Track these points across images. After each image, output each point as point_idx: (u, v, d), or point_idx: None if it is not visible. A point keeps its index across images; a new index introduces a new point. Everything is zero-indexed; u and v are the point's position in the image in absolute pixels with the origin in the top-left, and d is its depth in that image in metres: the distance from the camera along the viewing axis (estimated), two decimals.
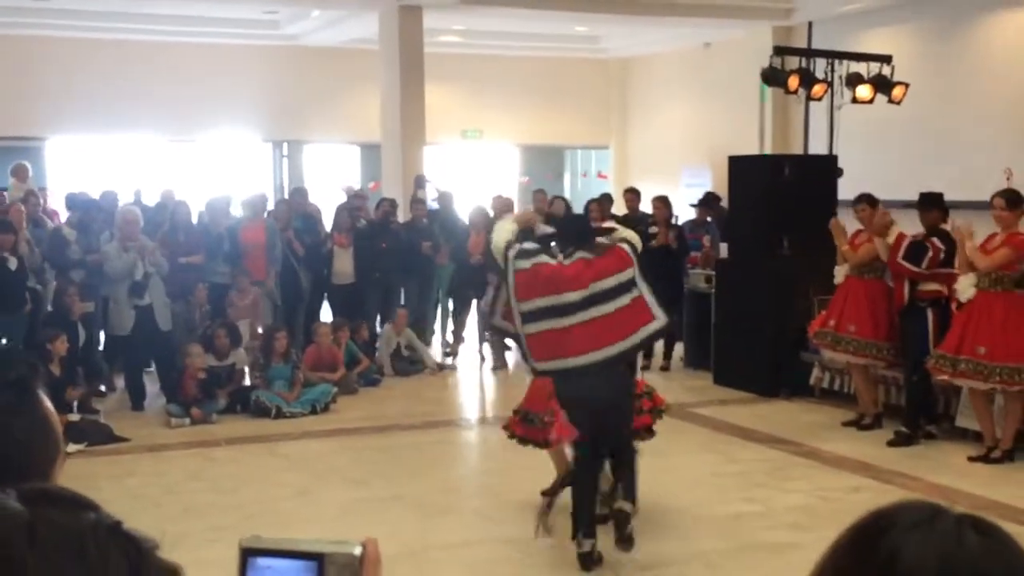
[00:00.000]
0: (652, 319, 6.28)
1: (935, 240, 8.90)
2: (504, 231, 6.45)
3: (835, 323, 9.66)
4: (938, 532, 1.13)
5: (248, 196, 12.58)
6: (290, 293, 12.12)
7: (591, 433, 6.19)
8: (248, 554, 1.10)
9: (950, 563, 1.11)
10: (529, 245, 6.32)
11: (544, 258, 6.23)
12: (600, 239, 6.47)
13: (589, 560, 6.13)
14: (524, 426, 7.00)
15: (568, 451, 7.09)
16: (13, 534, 0.96)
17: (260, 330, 11.34)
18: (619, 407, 6.32)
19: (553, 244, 6.50)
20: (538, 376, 6.40)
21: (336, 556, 1.09)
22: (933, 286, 8.98)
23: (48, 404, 1.41)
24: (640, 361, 12.48)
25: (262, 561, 1.09)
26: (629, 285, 6.21)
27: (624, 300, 6.19)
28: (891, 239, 9.06)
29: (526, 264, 6.18)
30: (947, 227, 8.96)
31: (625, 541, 6.11)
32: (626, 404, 6.41)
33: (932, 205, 9.15)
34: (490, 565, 6.40)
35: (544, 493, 7.22)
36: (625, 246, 6.32)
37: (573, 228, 6.66)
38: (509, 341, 12.89)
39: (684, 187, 17.32)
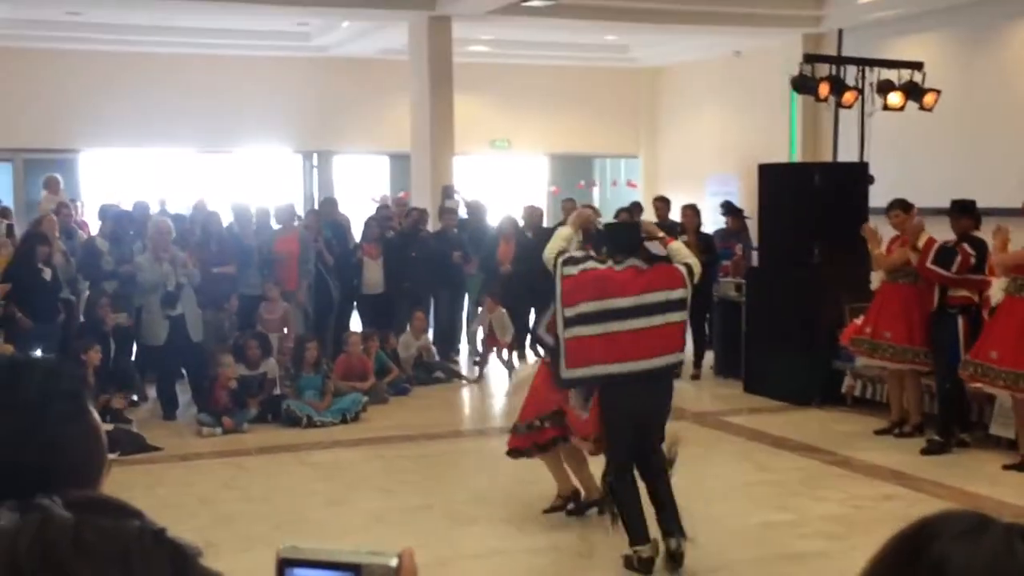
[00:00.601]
0: (681, 349, 6.32)
1: (965, 246, 8.84)
2: (558, 239, 6.40)
3: (871, 330, 9.60)
4: (987, 542, 1.11)
5: (277, 207, 12.66)
6: (320, 303, 12.17)
7: (628, 447, 6.24)
8: (285, 564, 1.10)
9: (1000, 572, 1.10)
10: (577, 253, 6.31)
11: (592, 264, 6.21)
12: (657, 252, 6.39)
13: (652, 565, 6.14)
14: (519, 438, 7.09)
15: (567, 466, 7.17)
16: (60, 540, 0.97)
17: (291, 344, 11.36)
18: (659, 423, 6.38)
19: (603, 250, 6.45)
20: (564, 387, 6.39)
21: (373, 567, 1.09)
22: (963, 292, 8.92)
23: (95, 414, 1.45)
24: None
25: (299, 571, 1.10)
26: (678, 305, 6.19)
27: (673, 318, 6.19)
28: (921, 244, 9.02)
29: (573, 270, 6.15)
30: (979, 233, 8.91)
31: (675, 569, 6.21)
32: (664, 421, 6.44)
33: (964, 212, 9.08)
34: (519, 575, 6.39)
35: (546, 511, 7.23)
36: (682, 268, 6.24)
37: (624, 237, 6.53)
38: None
39: (709, 196, 17.27)
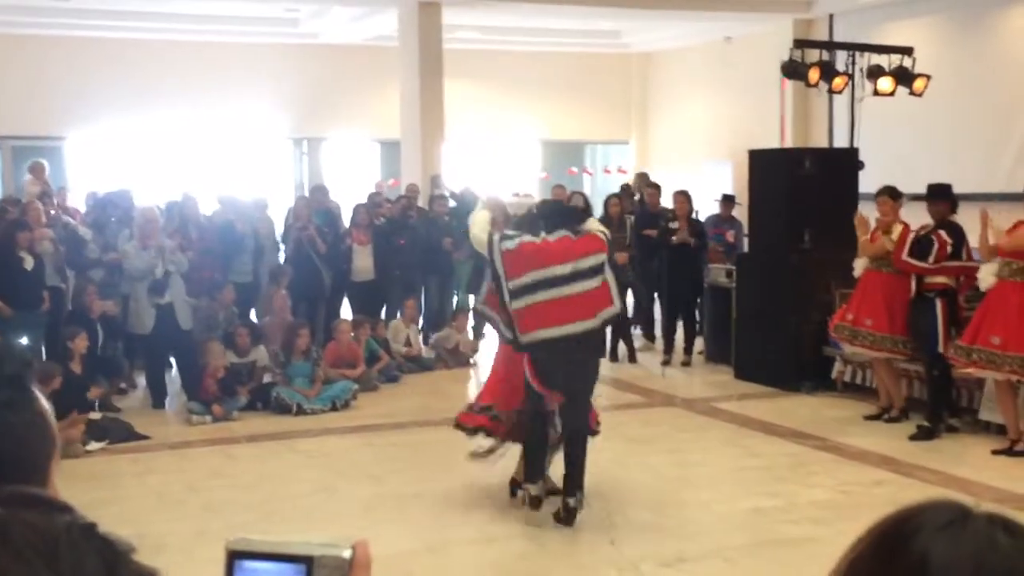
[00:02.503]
0: (611, 305, 6.75)
1: (942, 233, 8.82)
2: (481, 221, 6.97)
3: (853, 317, 9.60)
4: (969, 534, 1.09)
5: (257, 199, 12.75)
6: (311, 290, 12.14)
7: (564, 394, 6.66)
8: (235, 556, 1.07)
9: (984, 565, 1.08)
10: (510, 231, 6.85)
11: (527, 237, 6.70)
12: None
13: (538, 502, 6.76)
14: (484, 419, 7.26)
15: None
16: None
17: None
18: (587, 384, 6.81)
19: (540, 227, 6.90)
20: (521, 350, 6.70)
21: (325, 559, 1.06)
22: (940, 278, 8.92)
23: (43, 400, 1.39)
24: (662, 356, 12.50)
25: (249, 564, 1.07)
26: (600, 268, 6.69)
27: (596, 282, 6.68)
28: (895, 235, 9.02)
29: (511, 244, 6.63)
30: (956, 218, 8.88)
31: (567, 524, 6.69)
32: (592, 385, 6.88)
33: (940, 197, 9.05)
34: (510, 561, 6.39)
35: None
36: (600, 235, 6.81)
37: (553, 211, 7.19)
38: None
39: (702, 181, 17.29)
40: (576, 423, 6.75)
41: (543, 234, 6.72)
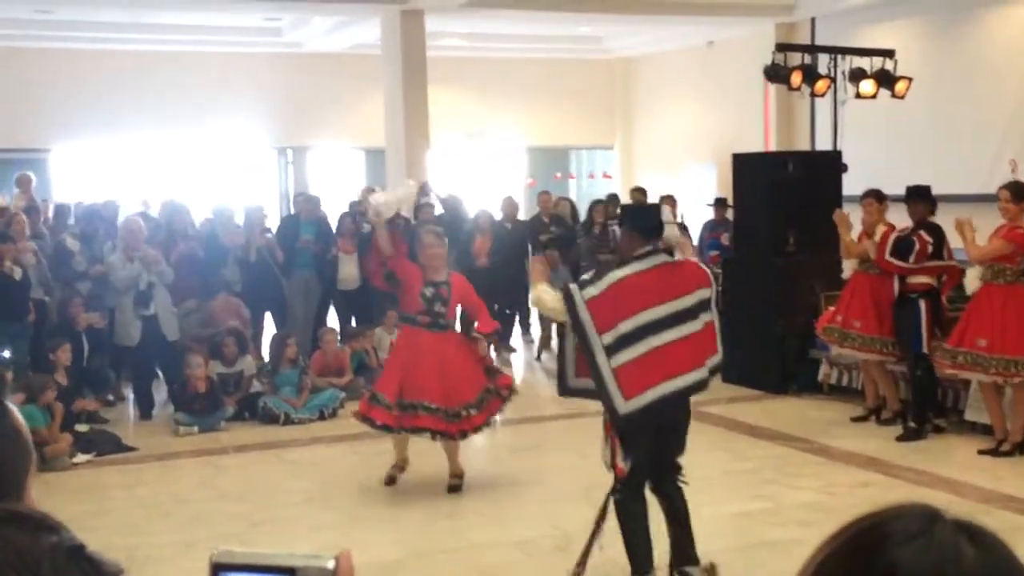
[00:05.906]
0: (716, 351, 5.61)
1: (922, 233, 8.88)
2: (545, 293, 5.61)
3: (841, 319, 9.64)
4: (936, 544, 1.10)
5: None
6: (269, 299, 12.03)
7: (645, 463, 5.56)
8: (219, 569, 1.08)
9: None
10: (586, 276, 5.73)
11: (614, 274, 5.39)
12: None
13: None
14: (369, 406, 7.50)
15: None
16: None
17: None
18: (685, 433, 5.73)
19: (623, 228, 5.71)
20: (623, 420, 5.40)
21: (309, 570, 1.07)
22: (922, 279, 8.97)
23: (17, 414, 1.38)
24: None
25: None
26: (708, 304, 5.57)
27: (707, 317, 5.56)
28: (878, 236, 9.07)
29: (595, 291, 5.32)
30: (934, 219, 8.94)
31: None
32: (687, 429, 5.74)
33: (919, 198, 9.12)
34: (497, 568, 6.39)
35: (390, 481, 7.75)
36: (702, 266, 5.77)
37: (651, 218, 5.70)
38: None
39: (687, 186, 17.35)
40: (666, 470, 5.63)
41: (634, 263, 5.40)
